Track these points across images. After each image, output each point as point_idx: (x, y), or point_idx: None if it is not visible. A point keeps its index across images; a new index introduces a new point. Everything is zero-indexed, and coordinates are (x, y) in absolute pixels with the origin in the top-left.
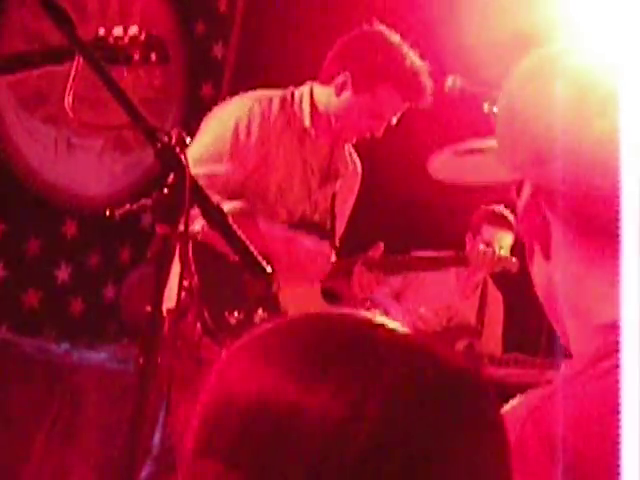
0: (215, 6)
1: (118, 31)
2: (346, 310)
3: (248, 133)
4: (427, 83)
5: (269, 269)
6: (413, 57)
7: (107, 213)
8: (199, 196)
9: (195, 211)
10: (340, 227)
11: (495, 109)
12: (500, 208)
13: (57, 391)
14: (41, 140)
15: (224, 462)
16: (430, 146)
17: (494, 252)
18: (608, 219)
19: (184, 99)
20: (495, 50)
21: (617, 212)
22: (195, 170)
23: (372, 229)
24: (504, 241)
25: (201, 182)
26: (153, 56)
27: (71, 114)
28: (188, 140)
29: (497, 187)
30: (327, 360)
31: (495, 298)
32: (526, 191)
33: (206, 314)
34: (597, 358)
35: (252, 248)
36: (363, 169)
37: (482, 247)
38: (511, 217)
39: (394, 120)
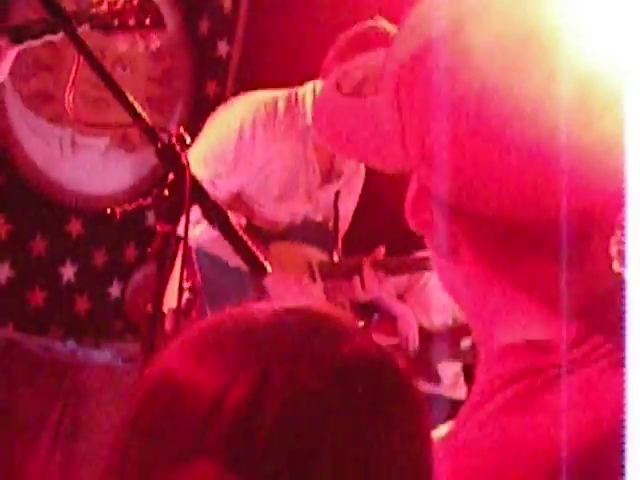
0: (220, 4)
1: None
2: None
3: (253, 135)
4: None
5: (269, 267)
6: None
7: (108, 211)
8: (199, 195)
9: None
10: (343, 227)
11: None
12: None
13: (63, 390)
14: (46, 139)
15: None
16: None
17: None
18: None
19: (189, 97)
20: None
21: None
22: (199, 170)
23: (373, 229)
24: None
25: (205, 184)
26: (147, 20)
27: (71, 113)
28: (188, 139)
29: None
30: (230, 342)
31: None
32: (413, 184)
33: (209, 313)
34: (492, 390)
35: (253, 247)
36: (366, 168)
37: None
38: None
39: None
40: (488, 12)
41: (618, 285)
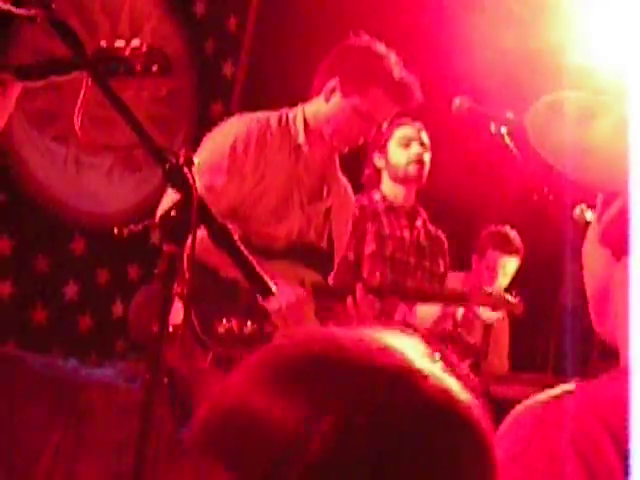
0: (225, 25)
1: (120, 43)
2: (335, 329)
3: (246, 149)
4: (415, 86)
5: (274, 288)
6: (398, 64)
7: (115, 231)
8: (205, 215)
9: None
10: (339, 248)
11: (504, 130)
12: (506, 229)
13: (65, 408)
14: (50, 158)
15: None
16: (437, 165)
17: (499, 295)
18: None
19: (194, 117)
20: (503, 70)
21: None
22: None
23: None
24: (508, 267)
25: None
26: (155, 67)
27: (80, 134)
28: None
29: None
30: (293, 376)
31: (501, 319)
32: (618, 204)
33: (195, 322)
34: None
35: (258, 267)
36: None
37: (486, 288)
38: (517, 239)
39: (384, 125)
40: None
41: None
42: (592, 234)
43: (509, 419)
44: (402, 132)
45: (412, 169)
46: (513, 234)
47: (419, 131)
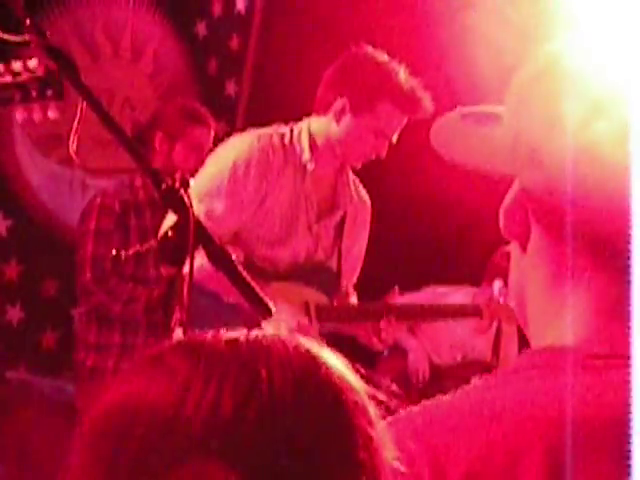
0: (227, 44)
1: (17, 66)
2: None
3: (247, 169)
4: (423, 94)
5: (274, 309)
6: (403, 72)
7: (114, 253)
8: (203, 237)
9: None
10: (353, 265)
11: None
12: None
13: (76, 431)
14: (56, 181)
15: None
16: (440, 178)
17: (512, 308)
18: (606, 240)
19: None
20: (502, 78)
21: (619, 237)
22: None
23: (385, 263)
24: None
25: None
26: (50, 92)
27: (76, 158)
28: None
29: (489, 175)
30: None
31: (510, 332)
32: (514, 188)
33: None
34: (516, 368)
35: (257, 289)
36: (375, 203)
37: (498, 299)
38: None
39: (394, 137)
40: None
41: None
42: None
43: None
44: None
45: None
46: None
47: None
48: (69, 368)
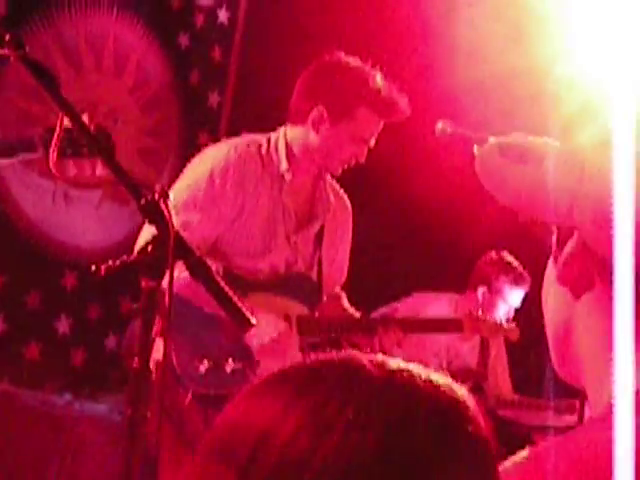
0: (210, 55)
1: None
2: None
3: (224, 179)
4: (399, 97)
5: (254, 321)
6: (378, 76)
7: (93, 268)
8: (183, 250)
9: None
10: (336, 273)
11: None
12: (508, 257)
13: (60, 443)
14: (39, 192)
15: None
16: (423, 190)
17: (493, 321)
18: None
19: (181, 148)
20: (483, 91)
21: None
22: None
23: (372, 269)
24: (515, 298)
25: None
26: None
27: (54, 171)
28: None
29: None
30: (299, 390)
31: (496, 343)
32: (575, 239)
33: (174, 361)
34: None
35: (237, 300)
36: (361, 211)
37: (480, 313)
38: (520, 268)
39: (372, 142)
40: None
41: None
42: (550, 273)
43: None
44: None
45: None
46: (513, 260)
47: None
48: (52, 379)
